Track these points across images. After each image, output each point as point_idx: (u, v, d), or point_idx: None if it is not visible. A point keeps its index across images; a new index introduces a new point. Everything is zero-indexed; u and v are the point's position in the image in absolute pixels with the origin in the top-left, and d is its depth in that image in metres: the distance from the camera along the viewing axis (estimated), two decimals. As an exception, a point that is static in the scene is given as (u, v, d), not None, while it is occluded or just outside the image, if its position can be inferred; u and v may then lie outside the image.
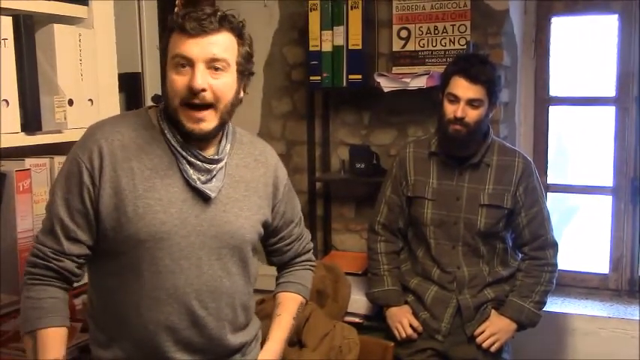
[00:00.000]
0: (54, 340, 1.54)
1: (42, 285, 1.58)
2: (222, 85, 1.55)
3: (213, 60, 1.52)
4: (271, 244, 1.86)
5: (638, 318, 2.84)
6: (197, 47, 1.51)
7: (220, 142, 1.67)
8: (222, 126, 1.61)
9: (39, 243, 1.59)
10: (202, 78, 1.51)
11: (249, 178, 1.72)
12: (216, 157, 1.63)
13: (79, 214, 1.57)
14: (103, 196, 1.55)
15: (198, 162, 1.60)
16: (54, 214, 1.58)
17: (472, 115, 2.34)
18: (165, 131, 1.60)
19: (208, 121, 1.55)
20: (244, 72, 1.61)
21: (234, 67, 1.57)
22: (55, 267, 1.58)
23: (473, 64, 2.36)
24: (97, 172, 1.55)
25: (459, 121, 2.34)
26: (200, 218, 1.61)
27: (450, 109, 2.37)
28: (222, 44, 1.53)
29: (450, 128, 2.37)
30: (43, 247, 1.58)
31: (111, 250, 1.60)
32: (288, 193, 1.85)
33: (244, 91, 1.66)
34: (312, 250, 1.98)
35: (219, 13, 1.53)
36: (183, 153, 1.59)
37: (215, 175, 1.63)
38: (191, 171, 1.60)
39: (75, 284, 1.66)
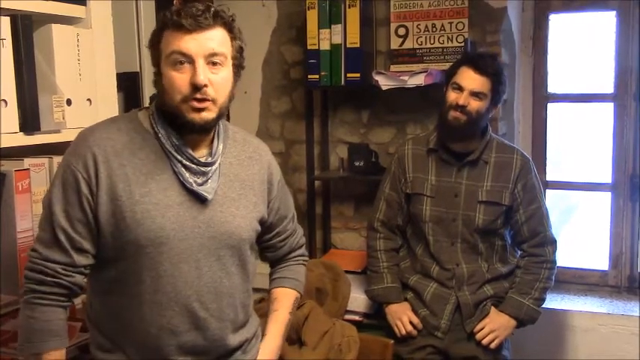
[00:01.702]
0: None
1: (50, 306, 1.56)
2: (222, 79, 1.56)
3: (212, 55, 1.53)
4: (266, 240, 1.86)
5: (637, 314, 2.85)
6: (195, 43, 1.51)
7: (212, 142, 1.67)
8: (219, 118, 1.61)
9: (44, 259, 1.55)
10: (204, 74, 1.51)
11: (244, 176, 1.72)
12: (210, 159, 1.64)
13: (81, 223, 1.56)
14: (101, 204, 1.55)
15: (193, 165, 1.60)
16: (57, 226, 1.55)
17: (474, 105, 2.36)
18: (160, 135, 1.60)
19: (209, 110, 1.55)
20: (239, 66, 1.62)
21: (230, 62, 1.58)
22: (66, 283, 1.56)
23: (482, 57, 2.42)
24: (93, 179, 1.54)
25: (460, 108, 2.35)
26: (197, 220, 1.61)
27: (453, 96, 2.38)
28: (218, 39, 1.54)
29: (450, 115, 2.38)
30: (50, 263, 1.55)
31: (111, 256, 1.59)
32: (282, 189, 1.85)
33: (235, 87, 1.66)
34: (304, 245, 1.98)
35: (212, 9, 1.53)
36: (178, 157, 1.59)
37: (210, 176, 1.63)
38: (187, 174, 1.59)
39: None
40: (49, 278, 1.55)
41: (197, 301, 1.61)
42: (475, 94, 2.35)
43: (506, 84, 2.44)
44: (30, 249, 1.60)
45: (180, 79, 1.52)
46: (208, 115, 1.55)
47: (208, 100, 1.54)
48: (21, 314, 1.59)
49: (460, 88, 2.37)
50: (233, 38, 1.59)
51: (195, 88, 1.51)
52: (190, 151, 1.60)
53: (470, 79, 2.36)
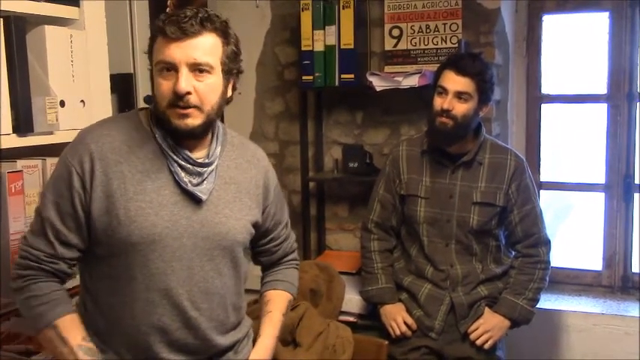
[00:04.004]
0: (73, 324, 1.57)
1: (42, 282, 1.58)
2: (207, 87, 1.55)
3: (195, 64, 1.53)
4: (261, 245, 1.88)
5: (631, 314, 2.86)
6: (179, 51, 1.51)
7: (211, 144, 1.67)
8: (208, 124, 1.61)
9: (30, 246, 1.58)
10: (186, 82, 1.51)
11: (240, 179, 1.72)
12: (206, 160, 1.64)
13: (70, 217, 1.57)
14: (95, 200, 1.56)
15: (189, 165, 1.61)
16: (45, 218, 1.57)
17: (459, 108, 2.35)
18: (157, 134, 1.61)
19: (193, 117, 1.55)
20: (231, 71, 1.61)
21: (218, 68, 1.57)
22: (49, 269, 1.58)
23: (463, 58, 2.41)
24: (87, 176, 1.55)
25: (446, 113, 2.35)
26: (191, 220, 1.61)
27: (438, 102, 2.39)
28: (204, 47, 1.53)
29: (437, 120, 2.39)
30: (35, 250, 1.58)
31: (104, 253, 1.60)
32: (277, 195, 1.86)
33: (234, 90, 1.66)
34: (296, 250, 2.00)
35: (200, 15, 1.52)
36: (174, 156, 1.60)
37: (206, 177, 1.64)
38: (182, 174, 1.60)
39: (67, 283, 1.66)
40: (33, 263, 1.58)
41: (188, 300, 1.62)
42: (459, 96, 2.35)
43: (494, 82, 2.44)
44: (22, 237, 1.63)
45: (165, 86, 1.53)
46: (193, 121, 1.55)
47: (191, 107, 1.54)
48: (19, 303, 1.61)
49: (444, 91, 2.37)
50: (225, 43, 1.58)
51: (177, 95, 1.52)
52: (187, 152, 1.61)
53: (452, 81, 2.36)
